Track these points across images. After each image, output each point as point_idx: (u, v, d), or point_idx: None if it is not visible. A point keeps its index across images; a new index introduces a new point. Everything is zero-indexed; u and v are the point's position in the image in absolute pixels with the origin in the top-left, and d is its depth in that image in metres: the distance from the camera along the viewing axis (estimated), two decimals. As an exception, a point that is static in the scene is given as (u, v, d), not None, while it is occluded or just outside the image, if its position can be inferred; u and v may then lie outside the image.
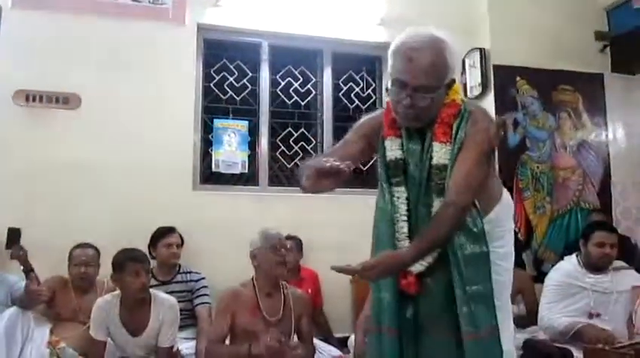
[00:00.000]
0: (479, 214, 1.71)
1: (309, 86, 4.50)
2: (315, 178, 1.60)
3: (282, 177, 4.37)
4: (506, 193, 1.90)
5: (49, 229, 3.53)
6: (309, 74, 4.52)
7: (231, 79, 4.33)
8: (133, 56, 3.94)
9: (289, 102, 4.45)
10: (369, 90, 4.63)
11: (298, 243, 3.86)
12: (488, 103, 4.30)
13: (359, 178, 4.29)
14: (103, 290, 3.19)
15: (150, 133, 3.88)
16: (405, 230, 1.74)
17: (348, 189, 4.06)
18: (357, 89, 4.60)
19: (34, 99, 3.74)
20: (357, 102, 4.57)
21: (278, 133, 4.40)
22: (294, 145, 4.41)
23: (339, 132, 4.42)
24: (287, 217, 3.94)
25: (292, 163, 4.36)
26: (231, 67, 4.35)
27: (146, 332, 2.85)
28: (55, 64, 3.79)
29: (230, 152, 4.22)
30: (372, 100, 4.61)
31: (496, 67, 4.34)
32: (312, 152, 4.42)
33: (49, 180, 3.68)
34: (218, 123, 4.24)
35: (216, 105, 4.30)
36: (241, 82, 4.34)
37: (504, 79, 4.34)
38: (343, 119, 4.44)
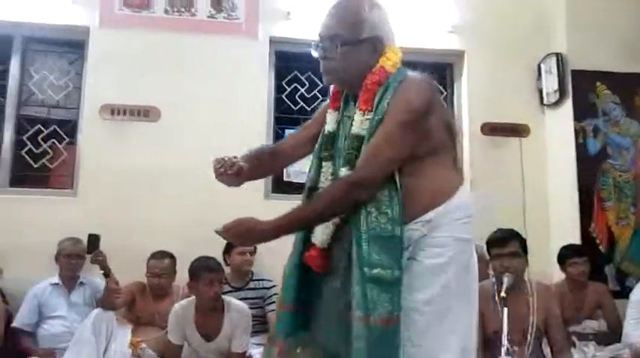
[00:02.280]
0: (398, 198, 1.48)
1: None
2: (217, 174, 1.69)
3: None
4: (466, 193, 1.65)
5: (129, 235, 3.70)
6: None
7: (302, 90, 4.40)
8: (208, 70, 4.09)
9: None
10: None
11: None
12: (567, 110, 4.15)
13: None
14: (179, 296, 3.33)
15: (224, 143, 3.96)
16: None
17: None
18: (427, 98, 4.54)
19: (118, 113, 3.97)
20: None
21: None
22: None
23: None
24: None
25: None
26: (303, 78, 4.42)
27: (219, 337, 2.94)
28: (137, 79, 4.01)
29: (301, 161, 4.27)
30: (443, 108, 4.53)
31: (574, 72, 4.16)
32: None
33: (129, 188, 3.87)
34: (289, 133, 4.32)
35: (287, 116, 4.38)
36: (312, 93, 4.41)
37: (583, 85, 4.16)
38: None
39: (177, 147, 3.97)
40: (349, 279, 1.49)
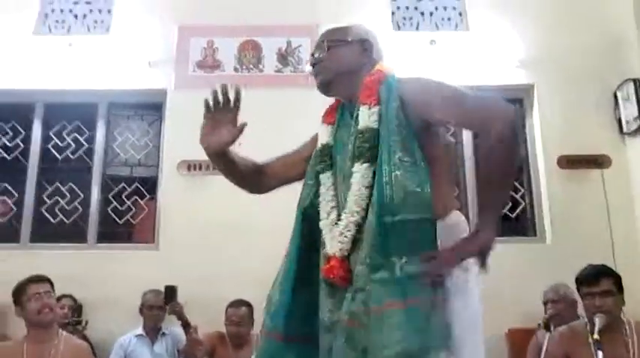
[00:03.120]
0: (427, 178, 1.38)
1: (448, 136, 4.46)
2: (208, 129, 1.63)
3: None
4: (459, 217, 1.50)
5: (208, 286, 3.78)
6: (448, 123, 4.47)
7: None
8: (278, 121, 4.19)
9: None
10: (512, 134, 4.45)
11: None
12: (649, 138, 3.94)
13: (509, 225, 4.11)
14: (257, 344, 3.34)
15: (298, 191, 4.06)
16: (334, 216, 1.52)
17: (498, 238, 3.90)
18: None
19: (194, 168, 4.14)
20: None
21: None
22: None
23: (482, 180, 4.30)
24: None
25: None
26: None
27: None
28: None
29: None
30: (515, 144, 4.42)
31: (654, 98, 3.97)
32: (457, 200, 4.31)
33: (207, 239, 3.97)
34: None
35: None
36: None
37: (665, 110, 3.95)
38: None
39: (251, 199, 4.05)
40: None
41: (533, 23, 4.39)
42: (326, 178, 1.59)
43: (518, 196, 4.31)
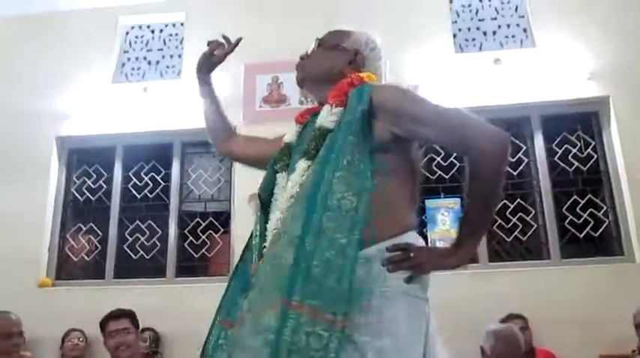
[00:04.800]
0: (369, 188, 1.27)
1: (519, 154, 4.32)
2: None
3: (502, 251, 4.15)
4: (414, 239, 1.34)
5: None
6: (518, 142, 4.35)
7: (438, 158, 4.37)
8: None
9: (500, 174, 4.30)
10: (589, 150, 4.25)
11: (524, 321, 3.57)
12: None
13: (593, 245, 3.90)
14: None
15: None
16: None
17: (574, 259, 3.81)
18: (574, 150, 4.27)
19: (264, 200, 4.22)
20: (576, 163, 4.22)
21: (492, 207, 4.25)
22: (511, 217, 4.20)
23: (560, 198, 4.13)
24: (510, 293, 3.71)
25: (512, 236, 4.14)
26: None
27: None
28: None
29: (445, 231, 4.19)
30: (593, 159, 4.21)
31: None
32: (532, 223, 4.16)
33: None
34: (430, 203, 4.28)
35: (426, 186, 4.35)
36: (449, 161, 4.36)
37: None
38: (563, 184, 4.16)
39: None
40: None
41: (600, 33, 4.22)
42: (281, 178, 1.51)
43: (600, 214, 4.09)
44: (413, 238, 1.34)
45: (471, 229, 1.35)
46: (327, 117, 1.41)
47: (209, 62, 1.77)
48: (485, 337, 2.75)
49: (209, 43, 1.74)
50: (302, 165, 1.39)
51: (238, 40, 1.75)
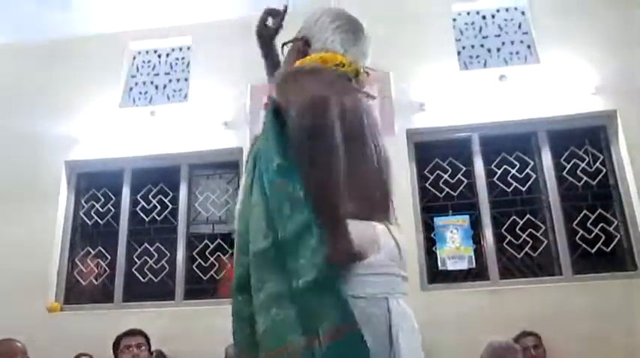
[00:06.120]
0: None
1: (527, 170, 4.30)
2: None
3: (514, 268, 4.11)
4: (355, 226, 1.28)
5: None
6: (526, 158, 4.33)
7: (445, 176, 4.36)
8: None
9: (509, 190, 4.28)
10: (597, 164, 4.23)
11: (537, 339, 3.52)
12: None
13: (605, 260, 3.85)
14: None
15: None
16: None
17: (586, 275, 3.77)
18: (582, 165, 4.24)
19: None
20: (585, 178, 4.20)
21: (502, 223, 4.22)
22: (521, 233, 4.16)
23: (570, 214, 4.10)
24: (522, 310, 3.66)
25: (522, 253, 4.10)
26: (444, 164, 4.39)
27: None
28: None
29: (454, 248, 4.15)
30: (602, 174, 4.18)
31: None
32: (542, 239, 4.12)
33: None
34: (439, 221, 4.25)
35: (434, 204, 4.33)
36: (456, 177, 4.34)
37: None
38: (573, 199, 4.13)
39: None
40: None
41: (604, 48, 4.22)
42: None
43: (611, 229, 4.05)
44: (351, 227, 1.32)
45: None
46: (263, 120, 1.43)
47: (266, 31, 1.82)
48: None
49: (266, 12, 1.81)
50: (249, 169, 1.41)
51: (285, 9, 1.80)
